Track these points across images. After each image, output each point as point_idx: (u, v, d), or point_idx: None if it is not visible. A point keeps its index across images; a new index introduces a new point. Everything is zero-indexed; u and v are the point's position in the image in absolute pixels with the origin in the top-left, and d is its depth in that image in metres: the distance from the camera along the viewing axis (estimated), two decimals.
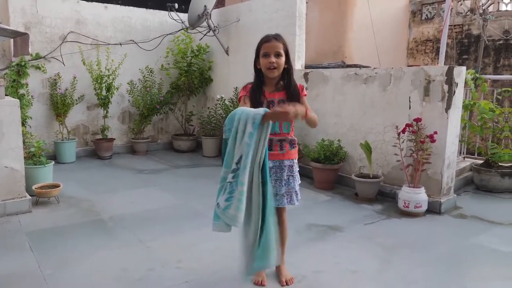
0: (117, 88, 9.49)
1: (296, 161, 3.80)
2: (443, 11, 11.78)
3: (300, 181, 3.85)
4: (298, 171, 3.83)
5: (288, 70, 3.61)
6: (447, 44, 8.21)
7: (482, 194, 7.03)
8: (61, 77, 8.98)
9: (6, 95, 6.10)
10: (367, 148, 6.54)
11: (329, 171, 7.03)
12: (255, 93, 3.59)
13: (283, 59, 3.54)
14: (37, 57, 8.73)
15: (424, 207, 5.86)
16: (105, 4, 9.62)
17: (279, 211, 3.74)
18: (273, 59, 3.48)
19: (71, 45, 9.17)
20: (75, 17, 9.18)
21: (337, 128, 7.38)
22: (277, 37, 3.56)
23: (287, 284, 3.85)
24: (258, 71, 3.64)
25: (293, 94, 3.59)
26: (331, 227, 5.36)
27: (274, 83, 3.61)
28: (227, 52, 9.78)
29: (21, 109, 6.61)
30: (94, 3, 9.46)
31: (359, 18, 12.86)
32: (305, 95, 3.72)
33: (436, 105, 5.99)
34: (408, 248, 4.79)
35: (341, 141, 7.18)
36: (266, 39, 3.57)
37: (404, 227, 5.47)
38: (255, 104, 3.53)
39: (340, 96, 7.30)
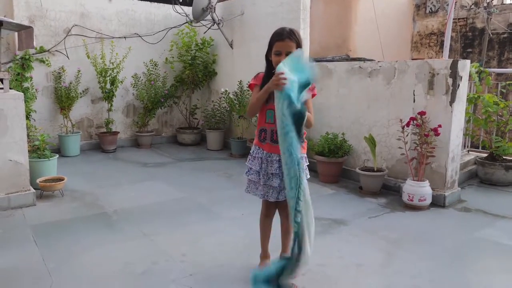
0: (121, 82, 9.50)
1: (304, 155, 3.63)
2: (447, 5, 11.73)
3: (309, 176, 3.79)
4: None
5: None
6: (451, 37, 8.19)
7: (486, 188, 7.02)
8: (66, 70, 8.99)
9: (10, 88, 6.10)
10: (372, 142, 6.53)
11: (333, 164, 7.03)
12: (266, 83, 3.57)
13: None
14: (42, 50, 8.74)
15: (428, 200, 5.85)
16: None
17: (285, 205, 3.71)
18: (284, 58, 3.43)
19: (76, 38, 9.18)
20: (79, 10, 9.18)
21: (341, 122, 7.37)
22: (291, 36, 3.47)
23: None
24: (269, 62, 3.62)
25: None
26: (336, 220, 5.36)
27: None
28: (231, 45, 9.77)
29: (25, 102, 6.62)
30: None
31: (364, 12, 12.81)
32: (315, 94, 3.68)
33: (440, 98, 5.98)
34: (412, 241, 4.79)
35: (345, 135, 7.17)
36: (280, 37, 3.49)
37: (408, 221, 5.47)
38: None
39: (344, 90, 7.29)
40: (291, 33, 3.48)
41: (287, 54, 3.44)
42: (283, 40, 3.46)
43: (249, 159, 3.76)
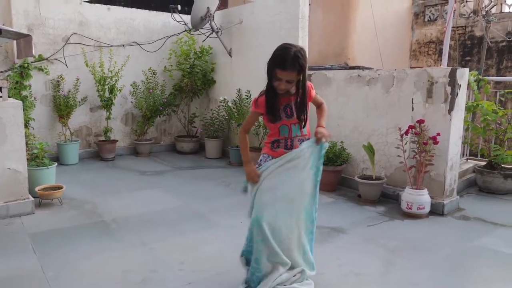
0: (120, 90, 9.49)
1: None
2: (446, 13, 11.77)
3: None
4: None
5: (301, 82, 3.48)
6: (450, 45, 8.20)
7: (485, 196, 7.02)
8: (64, 78, 8.99)
9: (9, 96, 6.10)
10: (370, 150, 6.53)
11: (332, 172, 7.02)
12: (271, 102, 3.54)
13: (294, 83, 3.44)
14: (40, 58, 8.75)
15: (427, 208, 5.85)
16: (108, 6, 9.63)
17: None
18: (283, 86, 3.40)
19: (74, 46, 9.19)
20: (78, 18, 9.20)
21: (340, 130, 7.36)
22: (294, 66, 3.31)
23: None
24: (271, 83, 3.49)
25: (301, 99, 3.54)
26: (334, 229, 5.36)
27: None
28: (230, 53, 9.79)
29: (24, 110, 6.63)
30: (97, 4, 9.48)
31: (362, 20, 12.88)
32: (312, 96, 3.70)
33: (439, 106, 5.98)
34: (411, 249, 4.79)
35: (344, 143, 7.17)
36: (282, 66, 3.32)
37: (407, 229, 5.46)
38: (272, 111, 3.54)
39: (343, 98, 7.29)
40: (294, 62, 3.31)
41: (288, 81, 3.39)
42: (285, 70, 3.32)
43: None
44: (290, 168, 3.53)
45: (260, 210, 3.51)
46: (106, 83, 9.22)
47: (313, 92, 3.70)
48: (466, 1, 14.60)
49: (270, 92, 3.53)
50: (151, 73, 10.00)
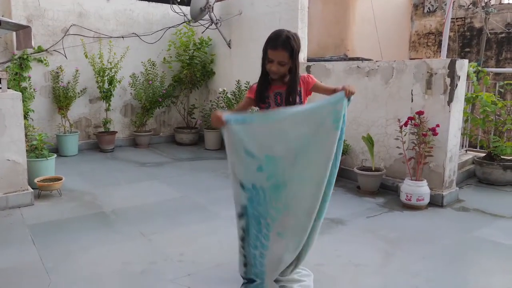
0: (119, 81, 9.48)
1: None
2: (445, 4, 11.73)
3: None
4: None
5: (293, 68, 3.46)
6: (449, 37, 8.20)
7: (484, 187, 7.02)
8: (64, 70, 8.97)
9: (8, 88, 6.10)
10: (369, 141, 6.52)
11: None
12: (261, 88, 3.55)
13: (286, 67, 3.41)
14: (40, 50, 8.72)
15: (426, 200, 5.85)
16: None
17: None
18: (275, 67, 3.38)
19: (73, 38, 9.16)
20: (77, 9, 9.17)
21: None
22: (285, 45, 3.34)
23: None
24: (265, 68, 3.51)
25: (292, 89, 3.51)
26: (333, 220, 5.36)
27: (280, 77, 3.54)
28: (229, 45, 9.77)
29: (23, 102, 6.61)
30: None
31: (362, 11, 12.82)
32: (310, 84, 3.65)
33: (438, 98, 5.98)
34: (410, 241, 4.79)
35: (343, 134, 7.15)
36: (273, 45, 3.36)
37: (407, 220, 5.47)
38: (260, 98, 3.55)
39: None
40: (286, 42, 3.35)
41: (280, 63, 3.37)
42: (276, 49, 3.35)
43: None
44: (302, 129, 3.28)
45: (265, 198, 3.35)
46: (106, 74, 9.20)
47: (313, 81, 3.66)
48: None
49: (263, 77, 3.54)
50: (150, 65, 9.98)
